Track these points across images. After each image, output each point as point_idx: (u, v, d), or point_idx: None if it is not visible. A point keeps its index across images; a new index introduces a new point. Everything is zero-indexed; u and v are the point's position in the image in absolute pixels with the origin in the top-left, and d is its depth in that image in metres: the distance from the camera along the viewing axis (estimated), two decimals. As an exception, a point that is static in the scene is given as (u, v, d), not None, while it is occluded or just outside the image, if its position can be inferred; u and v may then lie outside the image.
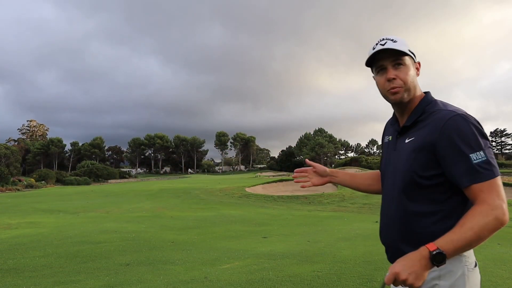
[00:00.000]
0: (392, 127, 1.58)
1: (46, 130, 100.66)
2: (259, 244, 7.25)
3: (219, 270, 5.03)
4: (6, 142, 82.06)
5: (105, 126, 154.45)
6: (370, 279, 4.36)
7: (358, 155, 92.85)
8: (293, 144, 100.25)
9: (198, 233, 9.04)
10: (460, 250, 1.22)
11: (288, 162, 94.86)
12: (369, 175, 1.84)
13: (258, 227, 10.37)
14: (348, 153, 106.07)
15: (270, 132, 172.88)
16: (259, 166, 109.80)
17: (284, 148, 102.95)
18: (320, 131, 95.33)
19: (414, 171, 1.36)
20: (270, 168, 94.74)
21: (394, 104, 1.49)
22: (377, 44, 1.44)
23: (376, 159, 72.43)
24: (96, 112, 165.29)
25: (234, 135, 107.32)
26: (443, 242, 1.21)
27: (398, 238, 1.43)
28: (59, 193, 29.41)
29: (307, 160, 1.92)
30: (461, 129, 1.29)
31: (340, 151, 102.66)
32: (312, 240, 7.56)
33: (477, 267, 1.38)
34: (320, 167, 1.86)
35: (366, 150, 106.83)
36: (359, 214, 14.20)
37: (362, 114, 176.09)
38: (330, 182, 1.88)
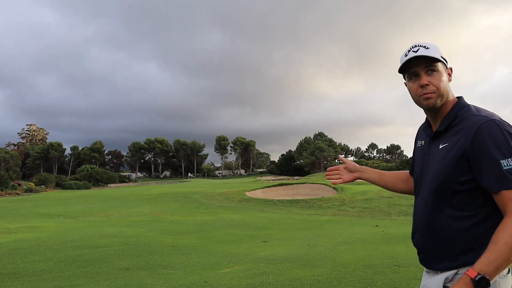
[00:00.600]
0: (424, 132, 1.60)
1: (46, 134, 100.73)
2: (259, 249, 7.24)
3: (219, 275, 5.02)
4: (6, 146, 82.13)
5: (105, 131, 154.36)
6: (370, 283, 4.35)
7: (359, 159, 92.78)
8: (293, 148, 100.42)
9: (198, 237, 9.02)
10: (501, 268, 1.22)
11: (288, 166, 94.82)
12: (397, 175, 1.88)
13: (258, 231, 10.35)
14: (348, 157, 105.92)
15: (270, 136, 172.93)
16: (259, 170, 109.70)
17: (284, 152, 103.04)
18: (320, 135, 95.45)
19: (447, 177, 1.37)
20: (270, 172, 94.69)
21: (427, 110, 1.51)
22: (409, 51, 1.46)
23: (376, 163, 72.31)
24: (96, 116, 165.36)
25: (234, 139, 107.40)
26: (482, 265, 1.21)
27: (429, 241, 1.44)
28: (59, 197, 29.37)
29: (340, 156, 2.01)
30: (493, 134, 1.29)
31: (340, 155, 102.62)
32: (312, 244, 7.56)
33: (509, 274, 1.37)
34: (350, 163, 1.93)
35: (366, 154, 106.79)
36: (359, 218, 14.18)
37: (361, 119, 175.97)
38: (359, 178, 1.92)
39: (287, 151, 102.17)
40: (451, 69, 1.51)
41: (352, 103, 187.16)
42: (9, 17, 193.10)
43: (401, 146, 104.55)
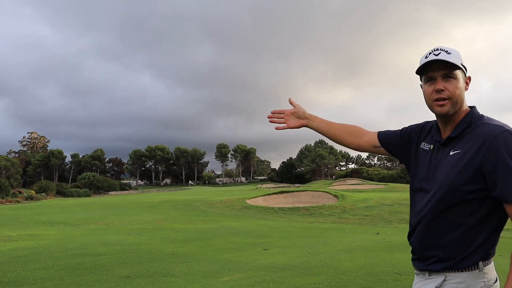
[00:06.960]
0: (431, 135, 1.57)
1: (47, 142, 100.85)
2: (260, 256, 7.23)
3: (220, 283, 5.02)
4: (7, 154, 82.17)
5: (104, 139, 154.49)
6: (371, 291, 4.35)
7: (359, 166, 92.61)
8: (292, 156, 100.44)
9: (199, 245, 9.01)
10: None
11: (288, 173, 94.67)
12: (346, 128, 1.82)
13: (258, 239, 10.33)
14: (349, 164, 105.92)
15: (267, 144, 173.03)
16: (259, 177, 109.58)
17: (285, 160, 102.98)
18: (320, 143, 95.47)
19: (457, 184, 1.37)
20: (271, 179, 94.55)
21: (439, 116, 1.50)
22: (430, 53, 1.45)
23: (376, 171, 72.18)
24: (95, 125, 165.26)
25: (234, 147, 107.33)
26: None
27: (427, 243, 1.46)
28: (60, 205, 29.32)
29: (290, 98, 1.84)
30: (509, 144, 1.30)
31: (340, 163, 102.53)
32: (313, 252, 7.54)
33: (497, 282, 1.40)
34: (300, 108, 1.82)
35: (367, 162, 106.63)
36: (360, 226, 14.13)
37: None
38: (306, 126, 1.82)
39: (288, 158, 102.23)
40: (469, 78, 1.49)
41: (343, 111, 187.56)
42: (4, 28, 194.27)
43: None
